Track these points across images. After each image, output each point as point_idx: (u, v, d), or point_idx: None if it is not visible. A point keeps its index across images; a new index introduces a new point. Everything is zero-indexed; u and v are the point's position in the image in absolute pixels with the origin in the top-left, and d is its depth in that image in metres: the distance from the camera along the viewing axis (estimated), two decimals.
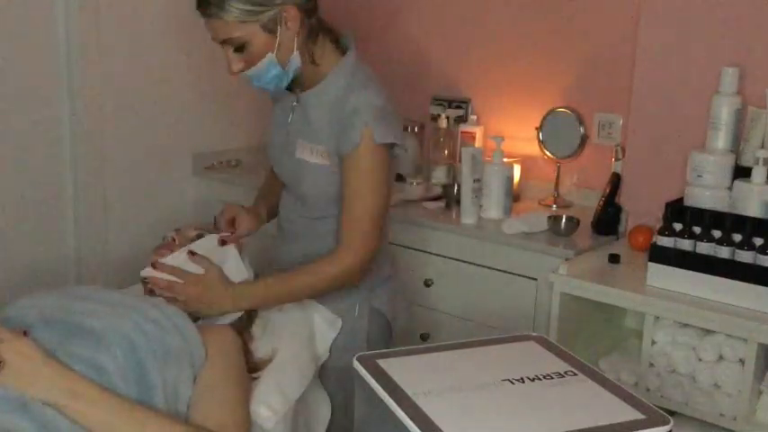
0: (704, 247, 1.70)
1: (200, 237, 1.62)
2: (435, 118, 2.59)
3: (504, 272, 2.08)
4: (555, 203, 2.37)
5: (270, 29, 1.55)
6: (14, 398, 1.19)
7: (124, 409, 1.24)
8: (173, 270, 1.53)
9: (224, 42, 1.56)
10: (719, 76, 1.85)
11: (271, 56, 1.57)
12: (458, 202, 2.32)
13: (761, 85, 1.87)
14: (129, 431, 1.23)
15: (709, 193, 1.81)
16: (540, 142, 2.41)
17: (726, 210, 1.75)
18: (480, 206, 2.20)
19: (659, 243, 1.76)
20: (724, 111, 1.84)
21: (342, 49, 1.68)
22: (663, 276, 1.74)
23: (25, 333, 1.26)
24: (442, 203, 2.35)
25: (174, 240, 1.59)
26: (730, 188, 1.80)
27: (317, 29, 1.63)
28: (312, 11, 1.61)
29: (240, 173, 2.70)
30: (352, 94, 1.61)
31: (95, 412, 1.21)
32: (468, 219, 2.17)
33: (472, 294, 2.15)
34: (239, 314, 1.61)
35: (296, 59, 1.60)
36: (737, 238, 1.66)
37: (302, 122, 1.68)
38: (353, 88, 1.62)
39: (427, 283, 2.23)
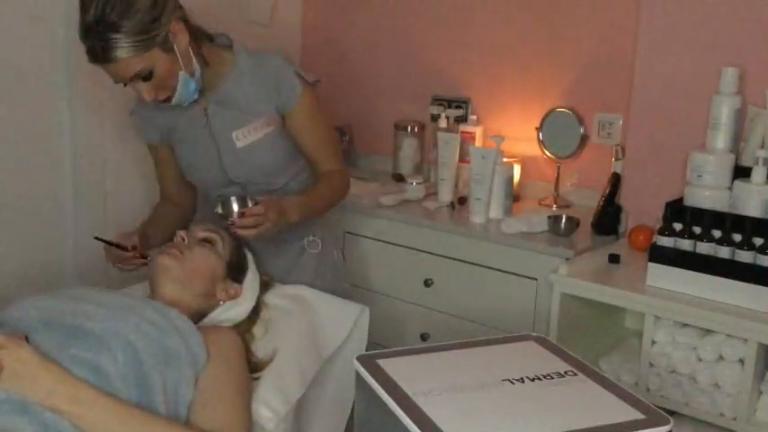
0: (704, 247, 1.70)
1: (206, 239, 1.62)
2: (435, 118, 2.59)
3: (504, 272, 2.08)
4: (555, 203, 2.37)
5: (167, 48, 1.61)
6: (16, 400, 1.19)
7: (124, 412, 1.24)
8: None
9: (132, 78, 1.61)
10: (719, 76, 1.85)
11: (182, 73, 1.67)
12: (459, 201, 2.33)
13: (761, 85, 1.87)
14: None
15: (709, 193, 1.80)
16: (540, 142, 2.41)
17: (726, 210, 1.75)
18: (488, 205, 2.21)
19: (659, 243, 1.76)
20: (724, 111, 1.84)
21: (221, 46, 1.81)
22: (663, 276, 1.74)
23: (27, 339, 1.26)
24: (441, 203, 2.35)
25: (184, 240, 1.60)
26: (730, 188, 1.80)
27: (197, 34, 1.73)
28: (187, 19, 1.69)
29: None
30: (264, 62, 1.79)
31: (96, 417, 1.21)
32: (477, 218, 2.18)
33: (472, 294, 2.15)
34: (241, 316, 1.62)
35: (197, 67, 1.70)
36: (737, 238, 1.66)
37: (227, 117, 1.79)
38: (261, 59, 1.80)
39: (427, 283, 2.23)
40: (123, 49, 1.54)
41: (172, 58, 1.63)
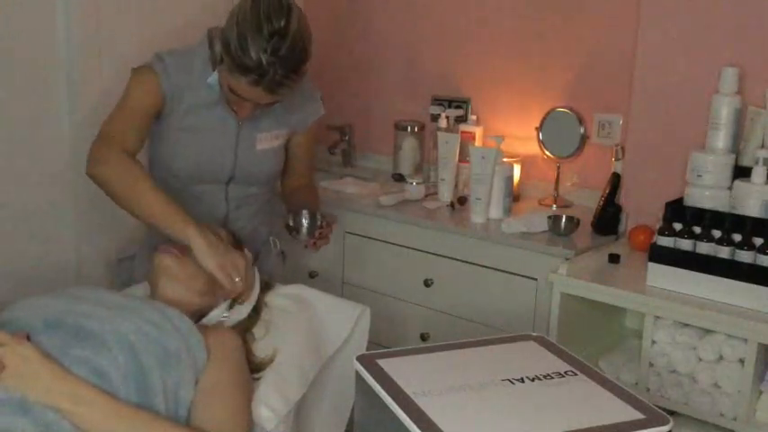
0: (704, 247, 1.70)
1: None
2: (435, 118, 2.59)
3: (504, 272, 2.08)
4: (555, 203, 2.37)
5: None
6: (16, 400, 1.19)
7: (124, 413, 1.24)
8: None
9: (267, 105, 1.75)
10: (719, 76, 1.85)
11: None
12: (459, 201, 2.33)
13: (761, 85, 1.87)
14: None
15: (709, 193, 1.81)
16: (540, 142, 2.41)
17: (726, 210, 1.75)
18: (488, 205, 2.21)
19: (659, 243, 1.76)
20: (724, 111, 1.84)
21: None
22: (663, 276, 1.74)
23: (28, 337, 1.27)
24: (441, 203, 2.35)
25: None
26: (730, 188, 1.80)
27: None
28: None
29: None
30: None
31: (96, 416, 1.21)
32: (477, 218, 2.18)
33: (472, 294, 2.15)
34: (242, 315, 1.62)
35: None
36: (737, 238, 1.66)
37: (259, 118, 1.85)
38: None
39: (427, 283, 2.23)
40: (291, 88, 1.68)
41: None
